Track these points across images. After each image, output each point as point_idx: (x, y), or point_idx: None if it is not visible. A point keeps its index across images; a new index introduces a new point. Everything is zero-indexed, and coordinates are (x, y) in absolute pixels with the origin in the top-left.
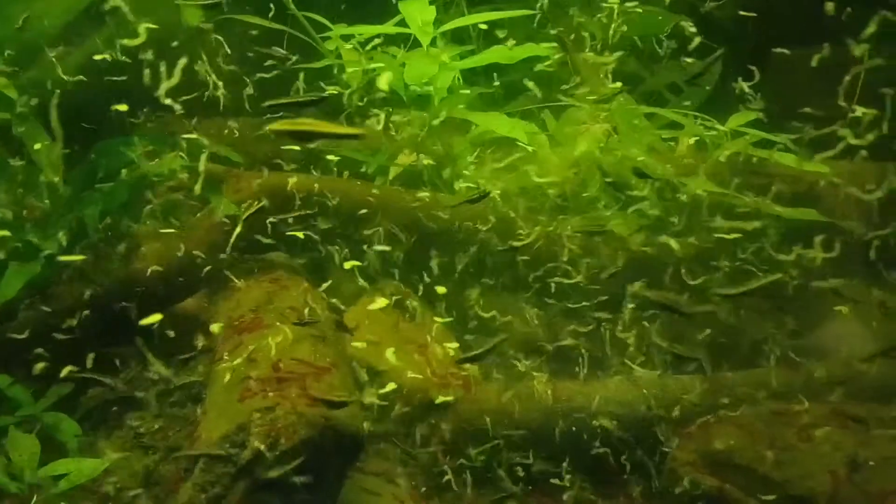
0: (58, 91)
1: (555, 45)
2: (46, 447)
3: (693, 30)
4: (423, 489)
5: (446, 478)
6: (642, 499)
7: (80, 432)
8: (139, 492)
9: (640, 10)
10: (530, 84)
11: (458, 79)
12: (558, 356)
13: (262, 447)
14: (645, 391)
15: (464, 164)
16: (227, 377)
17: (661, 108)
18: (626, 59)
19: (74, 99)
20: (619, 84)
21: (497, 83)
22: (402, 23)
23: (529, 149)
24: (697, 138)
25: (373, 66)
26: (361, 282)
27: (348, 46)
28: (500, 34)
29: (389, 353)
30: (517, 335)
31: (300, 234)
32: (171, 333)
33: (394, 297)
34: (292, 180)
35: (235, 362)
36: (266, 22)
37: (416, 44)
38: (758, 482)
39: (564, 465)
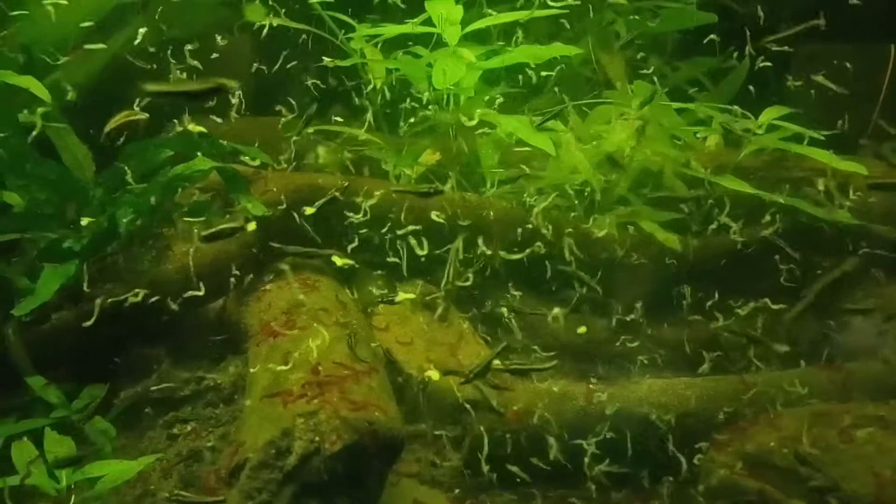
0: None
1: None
2: (80, 448)
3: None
4: (456, 491)
5: (477, 479)
6: (680, 500)
7: (115, 434)
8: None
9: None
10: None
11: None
12: (588, 358)
13: (308, 452)
14: (680, 392)
15: (489, 164)
16: (266, 381)
17: (693, 104)
18: (651, 56)
19: (102, 98)
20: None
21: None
22: (427, 22)
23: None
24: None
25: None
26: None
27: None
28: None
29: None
30: (547, 337)
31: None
32: (202, 335)
33: (423, 298)
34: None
35: (278, 368)
36: (291, 22)
37: (440, 42)
38: (798, 484)
39: (599, 466)
